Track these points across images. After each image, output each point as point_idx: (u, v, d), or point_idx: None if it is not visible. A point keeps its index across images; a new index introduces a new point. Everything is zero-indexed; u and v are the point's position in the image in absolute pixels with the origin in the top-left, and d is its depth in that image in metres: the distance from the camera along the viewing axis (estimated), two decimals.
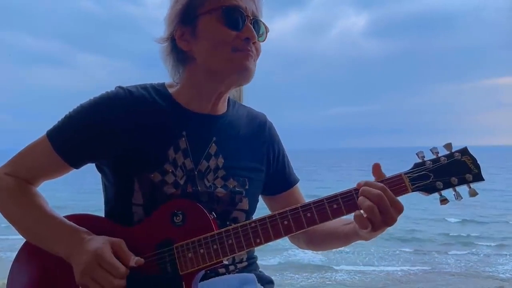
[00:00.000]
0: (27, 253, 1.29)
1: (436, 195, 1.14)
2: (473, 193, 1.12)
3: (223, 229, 1.16)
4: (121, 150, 1.26)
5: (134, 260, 1.14)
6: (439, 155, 1.15)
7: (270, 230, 1.14)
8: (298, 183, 1.53)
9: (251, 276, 1.29)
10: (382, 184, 1.11)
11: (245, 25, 1.22)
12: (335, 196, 1.14)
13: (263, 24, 1.29)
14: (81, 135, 1.26)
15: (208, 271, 1.22)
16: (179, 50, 1.27)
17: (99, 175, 1.36)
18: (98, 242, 1.14)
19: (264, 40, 1.30)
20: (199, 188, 1.27)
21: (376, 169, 1.16)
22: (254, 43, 1.25)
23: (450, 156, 1.15)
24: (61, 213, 1.27)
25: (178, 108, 1.31)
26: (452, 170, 1.13)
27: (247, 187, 1.34)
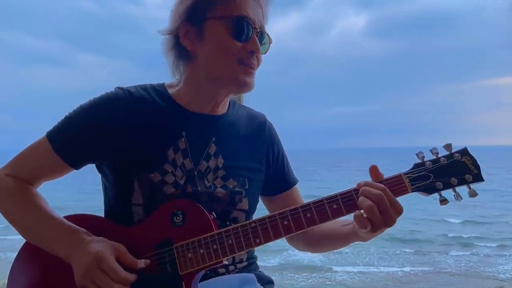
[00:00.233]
0: (28, 253, 1.29)
1: (436, 195, 1.14)
2: (473, 194, 1.12)
3: (223, 229, 1.16)
4: (121, 150, 1.26)
5: (142, 262, 1.15)
6: (439, 155, 1.15)
7: (270, 230, 1.14)
8: (297, 184, 1.53)
9: (251, 276, 1.29)
10: (382, 185, 1.11)
11: (252, 37, 1.23)
12: (335, 196, 1.14)
13: (267, 35, 1.30)
14: (81, 136, 1.26)
15: (208, 271, 1.22)
16: (182, 47, 1.27)
17: (99, 175, 1.36)
18: (99, 245, 1.14)
19: (266, 52, 1.31)
20: (199, 188, 1.27)
21: (373, 170, 1.16)
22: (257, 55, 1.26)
23: (450, 156, 1.15)
24: (61, 214, 1.27)
25: (177, 108, 1.31)
26: (452, 171, 1.13)
27: (246, 187, 1.34)
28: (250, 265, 1.39)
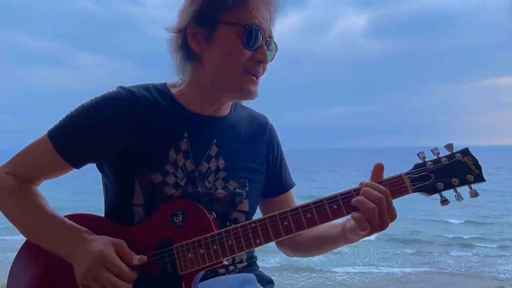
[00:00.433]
0: (28, 252, 1.29)
1: (436, 196, 1.14)
2: (474, 194, 1.12)
3: (223, 230, 1.16)
4: (122, 150, 1.26)
5: (138, 258, 1.14)
6: (440, 155, 1.15)
7: (270, 230, 1.14)
8: (292, 189, 1.52)
9: (251, 276, 1.29)
10: (385, 188, 1.11)
11: (261, 47, 1.23)
12: (335, 196, 1.14)
13: (275, 43, 1.29)
14: (82, 135, 1.26)
15: (208, 271, 1.22)
16: (189, 48, 1.25)
17: (99, 175, 1.36)
18: (101, 243, 1.14)
19: (272, 60, 1.30)
20: (199, 189, 1.27)
21: (378, 169, 1.15)
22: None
23: (451, 156, 1.15)
24: (61, 213, 1.27)
25: (179, 108, 1.31)
26: (453, 171, 1.13)
27: (247, 188, 1.33)
28: (250, 265, 1.39)
